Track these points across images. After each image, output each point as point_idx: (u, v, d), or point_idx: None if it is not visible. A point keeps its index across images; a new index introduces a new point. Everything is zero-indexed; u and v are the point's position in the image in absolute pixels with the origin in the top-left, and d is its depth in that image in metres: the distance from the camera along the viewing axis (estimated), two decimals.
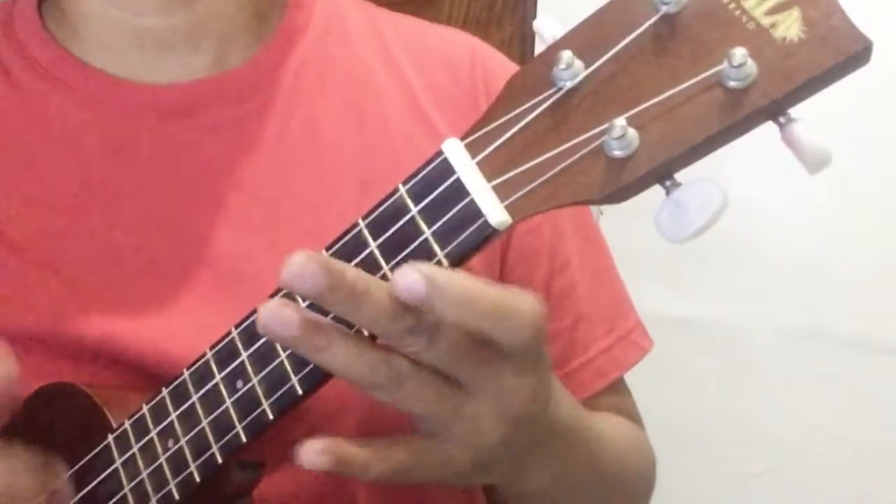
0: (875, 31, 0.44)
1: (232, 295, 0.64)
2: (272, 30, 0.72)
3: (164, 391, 0.56)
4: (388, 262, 0.48)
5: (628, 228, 0.61)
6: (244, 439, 0.52)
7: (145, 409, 0.56)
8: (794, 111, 0.44)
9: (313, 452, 0.47)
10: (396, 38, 0.75)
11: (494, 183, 0.46)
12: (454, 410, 0.48)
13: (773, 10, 0.43)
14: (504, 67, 0.77)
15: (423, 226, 0.47)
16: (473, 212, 0.46)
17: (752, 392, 1.32)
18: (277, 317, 0.45)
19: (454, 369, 0.47)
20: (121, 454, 0.57)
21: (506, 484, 0.57)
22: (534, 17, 1.39)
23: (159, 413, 0.56)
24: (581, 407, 0.62)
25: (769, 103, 0.43)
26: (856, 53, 0.42)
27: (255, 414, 0.52)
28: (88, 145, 0.68)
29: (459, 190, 0.47)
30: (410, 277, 0.43)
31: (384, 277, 0.48)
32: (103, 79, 0.69)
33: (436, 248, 0.47)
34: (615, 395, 0.76)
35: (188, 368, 0.55)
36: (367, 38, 0.74)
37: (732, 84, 0.43)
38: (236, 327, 0.53)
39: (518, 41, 1.37)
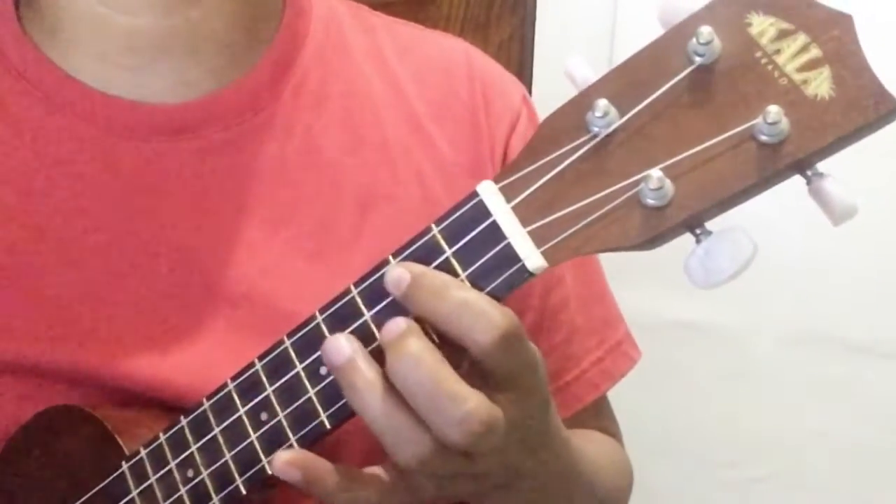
0: (877, 36, 0.45)
1: (234, 318, 0.62)
2: (271, 37, 0.68)
3: (183, 421, 0.55)
4: None
5: None
6: (269, 472, 0.52)
7: (162, 438, 0.55)
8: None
9: (282, 462, 0.50)
10: (393, 47, 0.72)
11: (530, 228, 0.47)
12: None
13: (805, 67, 0.45)
14: (500, 76, 0.75)
15: (458, 267, 0.48)
16: (510, 256, 0.47)
17: (753, 396, 1.31)
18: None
19: None
20: (137, 483, 0.56)
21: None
22: (533, 18, 1.39)
23: (178, 443, 0.55)
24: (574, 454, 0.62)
25: (800, 159, 0.44)
26: (884, 114, 0.43)
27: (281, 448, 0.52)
28: (74, 166, 0.63)
29: (495, 233, 0.47)
30: (396, 271, 0.48)
31: None
32: (87, 92, 0.63)
33: None
34: (599, 419, 0.76)
35: (208, 399, 0.54)
36: (364, 49, 0.71)
37: (764, 139, 0.44)
38: (260, 359, 0.53)
39: (517, 42, 1.36)
